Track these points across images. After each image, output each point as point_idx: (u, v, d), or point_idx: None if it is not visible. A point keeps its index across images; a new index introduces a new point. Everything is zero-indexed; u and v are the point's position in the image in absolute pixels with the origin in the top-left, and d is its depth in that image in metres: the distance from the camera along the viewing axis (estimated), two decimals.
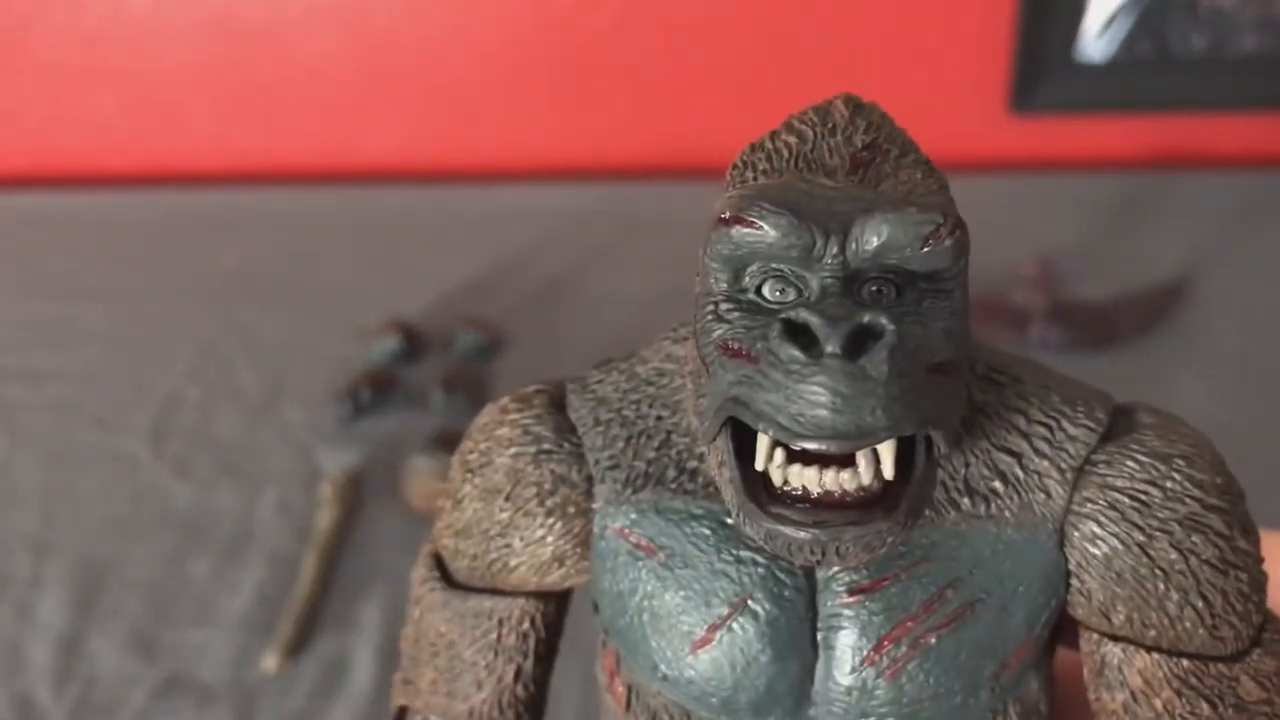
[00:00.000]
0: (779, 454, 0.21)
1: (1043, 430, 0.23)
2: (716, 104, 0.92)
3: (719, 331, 0.21)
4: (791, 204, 0.21)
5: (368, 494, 0.63)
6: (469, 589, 0.27)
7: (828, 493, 0.21)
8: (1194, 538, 0.23)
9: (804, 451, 0.20)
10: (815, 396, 0.20)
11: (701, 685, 0.23)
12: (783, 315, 0.20)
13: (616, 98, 0.94)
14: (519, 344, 0.75)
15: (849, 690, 0.23)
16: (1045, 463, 0.23)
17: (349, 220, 0.89)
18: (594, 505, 0.25)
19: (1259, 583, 0.24)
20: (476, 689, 0.27)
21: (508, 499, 0.26)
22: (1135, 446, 0.23)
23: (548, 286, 0.80)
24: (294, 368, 0.73)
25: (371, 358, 0.73)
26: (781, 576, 0.23)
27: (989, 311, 0.74)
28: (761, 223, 0.21)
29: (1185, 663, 0.23)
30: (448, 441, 0.61)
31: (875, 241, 0.21)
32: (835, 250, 0.21)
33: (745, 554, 0.23)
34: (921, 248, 0.20)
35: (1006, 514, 0.23)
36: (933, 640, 0.22)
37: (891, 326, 0.20)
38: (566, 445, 0.25)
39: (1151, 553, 0.23)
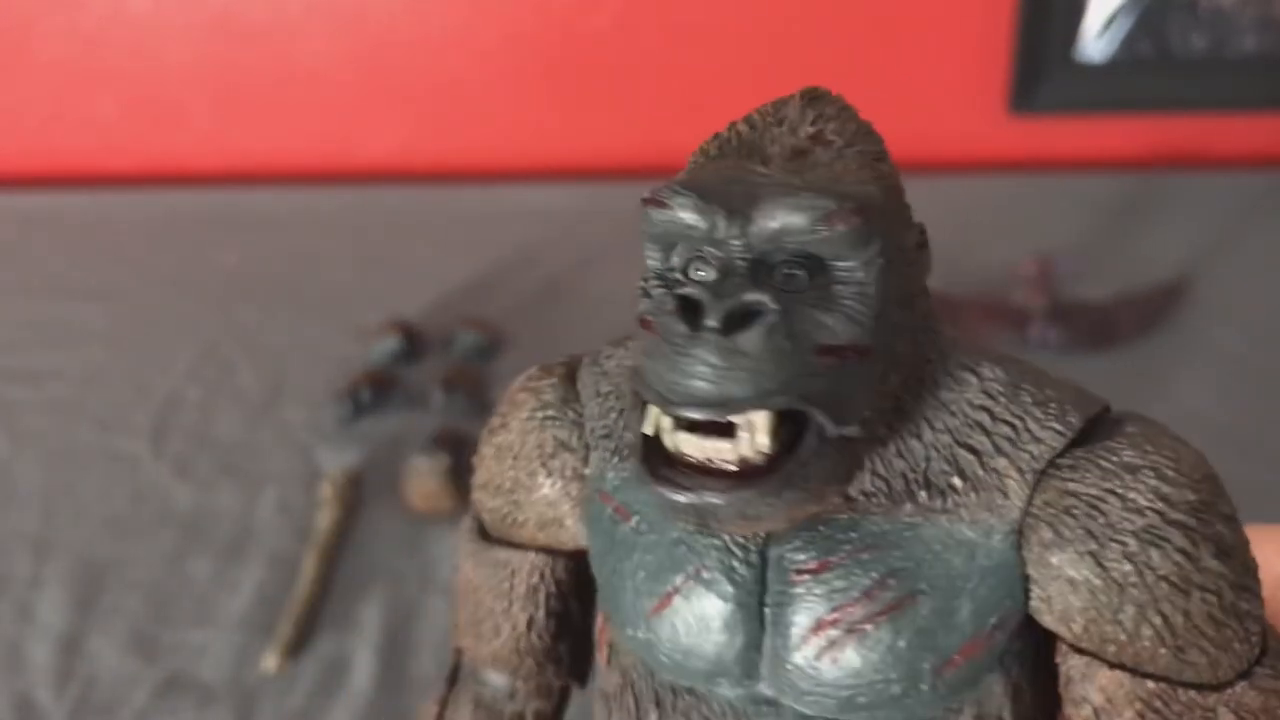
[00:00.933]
0: (667, 421, 0.22)
1: (1007, 429, 0.23)
2: (716, 104, 0.92)
3: (642, 306, 0.23)
4: (700, 186, 0.22)
5: (368, 494, 0.63)
6: (491, 540, 0.29)
7: (713, 462, 0.21)
8: (1150, 551, 0.22)
9: (692, 421, 0.21)
10: (689, 367, 0.21)
11: (659, 647, 0.24)
12: (677, 291, 0.22)
13: (616, 98, 0.94)
14: (519, 344, 0.75)
15: (791, 668, 0.23)
16: (1005, 461, 0.23)
17: (349, 220, 0.90)
18: (587, 471, 0.27)
19: (1241, 610, 0.22)
20: (495, 634, 0.29)
21: (515, 458, 0.28)
22: (1104, 454, 0.23)
23: (548, 286, 0.80)
24: (294, 368, 0.73)
25: (371, 358, 0.73)
26: (735, 550, 0.24)
27: (989, 311, 0.74)
28: (670, 203, 0.22)
29: (1151, 684, 0.22)
30: (448, 441, 0.61)
31: (771, 225, 0.21)
32: (736, 232, 0.22)
33: None
34: (817, 233, 0.21)
35: (962, 510, 0.23)
36: (869, 627, 0.23)
37: (774, 306, 0.21)
38: (570, 414, 0.27)
39: (1104, 563, 0.22)
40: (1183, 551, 0.22)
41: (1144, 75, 0.92)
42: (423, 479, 0.60)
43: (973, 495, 0.23)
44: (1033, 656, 0.25)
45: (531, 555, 0.28)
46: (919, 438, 0.23)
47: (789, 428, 0.21)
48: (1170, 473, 0.22)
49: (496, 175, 0.96)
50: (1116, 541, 0.22)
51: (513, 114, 0.95)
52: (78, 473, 0.65)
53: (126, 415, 0.69)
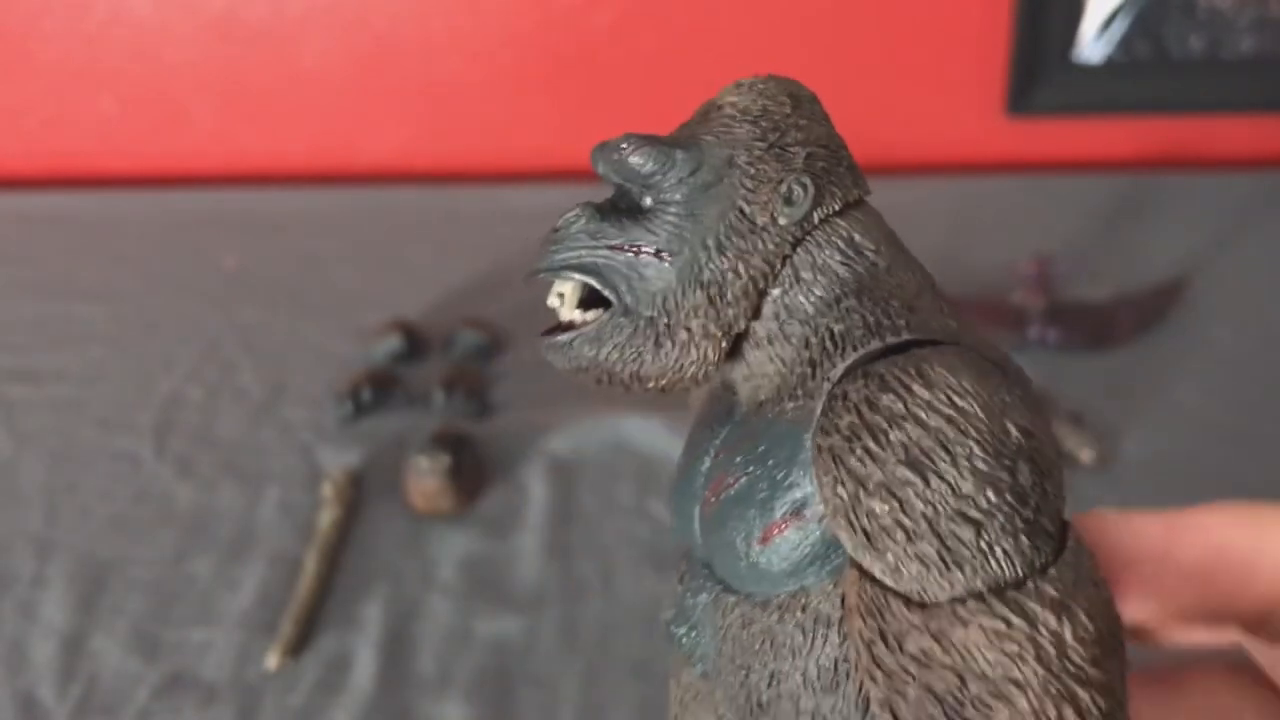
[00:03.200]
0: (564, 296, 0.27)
1: (843, 347, 0.24)
2: None
3: None
4: (608, 141, 0.27)
5: (369, 493, 0.63)
6: None
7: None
8: (875, 456, 0.22)
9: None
10: (540, 247, 0.28)
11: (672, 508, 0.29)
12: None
13: (616, 98, 0.94)
14: (519, 344, 0.75)
15: (695, 530, 0.27)
16: (830, 371, 0.24)
17: (351, 220, 0.90)
18: None
19: (947, 534, 0.21)
20: None
21: None
22: (884, 365, 0.23)
23: (548, 286, 0.81)
24: (295, 368, 0.73)
25: (372, 357, 0.73)
26: (712, 430, 0.27)
27: (988, 311, 0.75)
28: (594, 152, 0.27)
29: (870, 588, 0.22)
30: (448, 441, 0.61)
31: (609, 158, 0.26)
32: (606, 170, 0.27)
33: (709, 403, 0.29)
34: (616, 164, 0.26)
35: (800, 415, 0.24)
36: (714, 500, 0.26)
37: (585, 213, 0.26)
38: None
39: (845, 466, 0.22)
40: (907, 464, 0.21)
41: (1141, 76, 0.92)
42: (423, 478, 0.60)
43: (807, 402, 0.24)
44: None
45: None
46: (781, 354, 0.26)
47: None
48: (936, 390, 0.22)
49: (498, 176, 0.96)
50: (849, 440, 0.22)
51: (513, 114, 0.95)
52: (80, 472, 0.65)
53: (128, 415, 0.70)
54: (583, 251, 0.27)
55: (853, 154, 0.27)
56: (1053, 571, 0.21)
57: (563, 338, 0.27)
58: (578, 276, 0.27)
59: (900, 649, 0.21)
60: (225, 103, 0.95)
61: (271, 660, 0.53)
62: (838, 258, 0.25)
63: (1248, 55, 0.91)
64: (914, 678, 0.21)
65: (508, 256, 0.84)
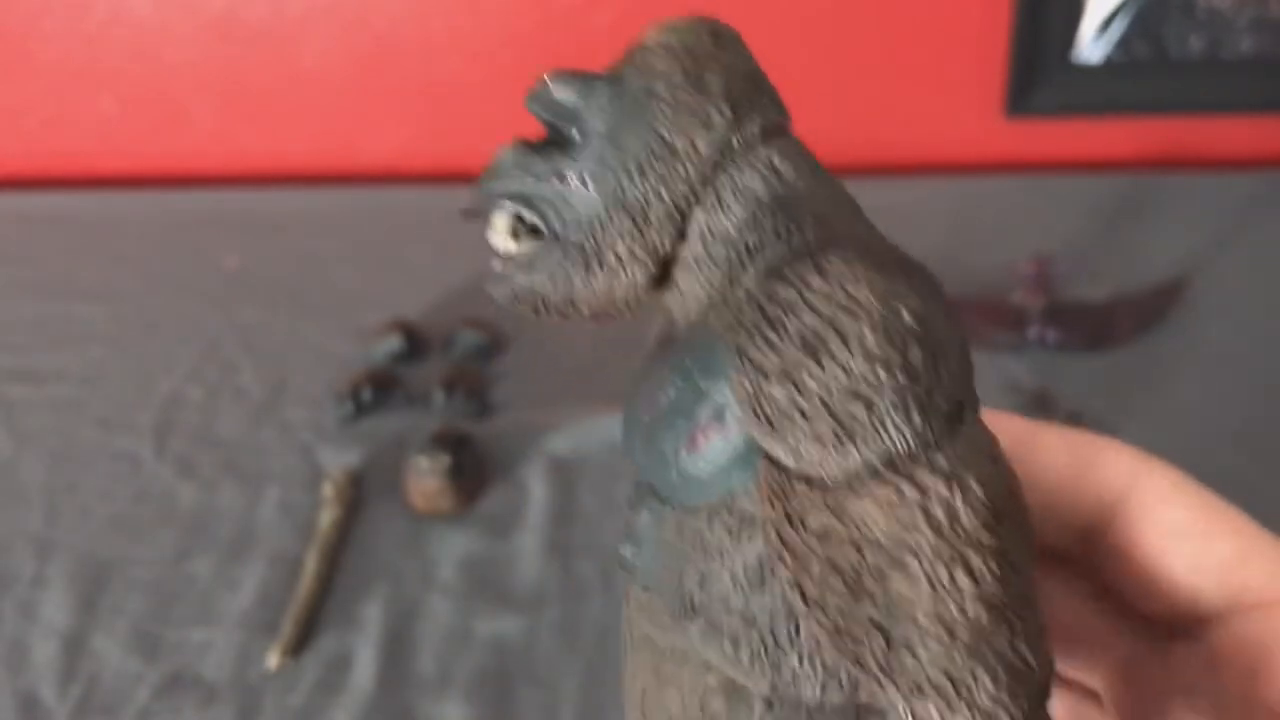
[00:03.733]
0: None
1: (756, 257, 0.25)
2: None
3: None
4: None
5: (369, 493, 0.63)
6: None
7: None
8: (773, 345, 0.22)
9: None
10: (474, 185, 0.28)
11: None
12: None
13: None
14: (519, 344, 0.75)
15: (636, 450, 0.27)
16: (744, 278, 0.25)
17: (350, 221, 0.90)
18: None
19: (840, 413, 0.21)
20: None
21: None
22: (784, 263, 0.23)
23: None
24: (295, 368, 0.74)
25: (373, 357, 0.73)
26: (658, 355, 0.28)
27: (987, 311, 0.75)
28: (526, 98, 0.28)
29: (776, 474, 0.23)
30: (448, 441, 0.61)
31: (533, 103, 0.27)
32: (535, 108, 0.27)
33: None
34: (544, 97, 0.26)
35: (718, 324, 0.25)
36: (647, 417, 0.26)
37: (516, 148, 0.27)
38: None
39: (741, 356, 0.23)
40: (794, 343, 0.22)
41: (1141, 77, 0.92)
42: (423, 478, 0.60)
43: (725, 311, 0.25)
44: None
45: None
46: (709, 276, 0.26)
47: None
48: (814, 281, 0.23)
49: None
50: (758, 337, 0.23)
51: (514, 115, 0.95)
52: (80, 472, 0.65)
53: (129, 415, 0.70)
54: (513, 182, 0.28)
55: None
56: (946, 446, 0.22)
57: (497, 267, 0.28)
58: (509, 205, 0.28)
59: (804, 528, 0.22)
60: (225, 103, 0.95)
61: (272, 660, 0.53)
62: (758, 181, 0.26)
63: (1247, 55, 0.91)
64: (817, 554, 0.22)
65: None
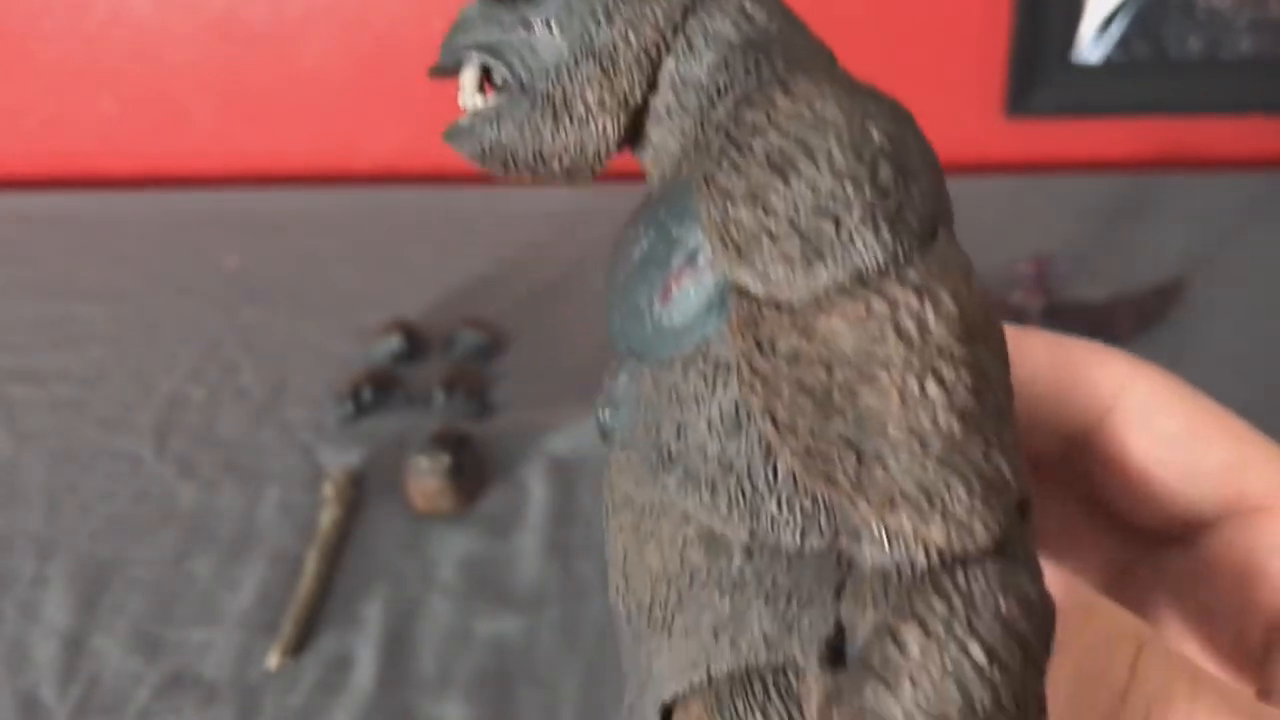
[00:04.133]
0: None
1: (725, 95, 0.24)
2: None
3: None
4: None
5: (369, 493, 0.63)
6: None
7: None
8: (739, 168, 0.22)
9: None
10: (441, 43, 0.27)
11: None
12: None
13: None
14: (519, 344, 0.75)
15: (614, 313, 0.27)
16: (715, 115, 0.24)
17: (350, 221, 0.90)
18: None
19: (808, 230, 0.21)
20: None
21: None
22: (751, 88, 0.23)
23: (548, 286, 0.81)
24: (296, 368, 0.74)
25: (373, 357, 0.73)
26: (635, 216, 0.27)
27: None
28: None
29: (746, 304, 0.22)
30: (448, 441, 0.61)
31: None
32: None
33: None
34: None
35: (690, 167, 0.24)
36: (622, 275, 0.25)
37: (481, 2, 0.26)
38: None
39: (709, 184, 0.22)
40: (760, 163, 0.22)
41: (1141, 77, 0.92)
42: (424, 478, 0.60)
43: (695, 154, 0.24)
44: None
45: None
46: (682, 125, 0.25)
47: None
48: (781, 101, 0.22)
49: (498, 176, 0.96)
50: (725, 162, 0.22)
51: None
52: (81, 472, 0.65)
53: (129, 415, 0.70)
54: (478, 33, 0.27)
55: None
56: (917, 261, 0.21)
57: (464, 121, 0.27)
58: (475, 56, 0.27)
59: (774, 352, 0.21)
60: (225, 103, 0.95)
61: (272, 660, 0.53)
62: (728, 25, 0.25)
63: (1247, 56, 0.91)
64: (786, 377, 0.21)
65: (508, 256, 0.84)
